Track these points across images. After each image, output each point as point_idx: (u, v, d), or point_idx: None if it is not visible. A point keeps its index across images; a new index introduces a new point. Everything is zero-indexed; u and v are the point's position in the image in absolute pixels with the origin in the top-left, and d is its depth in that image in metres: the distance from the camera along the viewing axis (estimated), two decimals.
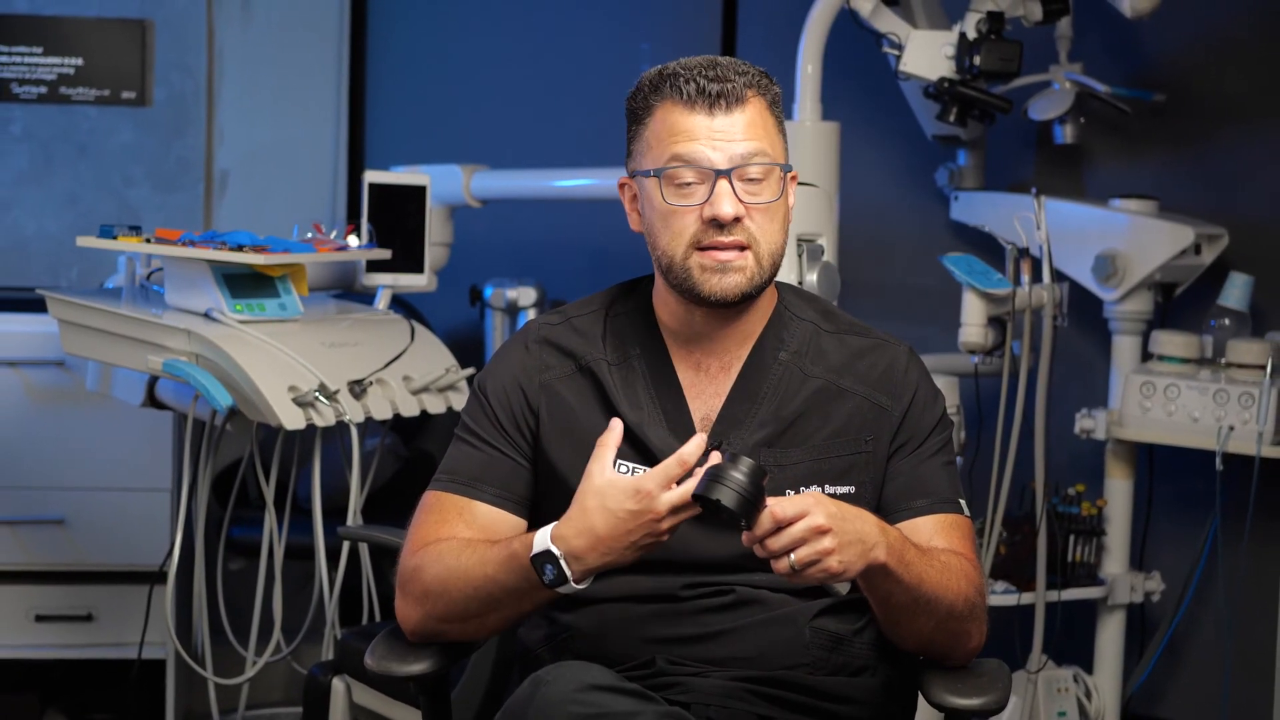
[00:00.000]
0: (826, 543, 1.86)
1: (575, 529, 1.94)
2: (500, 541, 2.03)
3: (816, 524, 1.86)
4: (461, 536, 2.07)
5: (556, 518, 1.97)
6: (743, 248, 2.04)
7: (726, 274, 2.05)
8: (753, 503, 1.85)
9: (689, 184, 2.05)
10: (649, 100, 2.09)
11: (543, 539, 1.96)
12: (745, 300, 2.08)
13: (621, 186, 2.16)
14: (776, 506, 1.86)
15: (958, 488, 2.15)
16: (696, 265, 2.05)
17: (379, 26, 4.66)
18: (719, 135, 2.04)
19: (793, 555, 1.86)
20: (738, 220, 2.03)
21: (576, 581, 1.95)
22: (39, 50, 4.36)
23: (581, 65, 4.43)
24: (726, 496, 1.84)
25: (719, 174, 2.03)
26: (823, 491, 2.07)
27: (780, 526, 1.86)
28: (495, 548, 2.02)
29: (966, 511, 2.14)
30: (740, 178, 2.04)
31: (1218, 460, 3.40)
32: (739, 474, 1.85)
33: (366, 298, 3.56)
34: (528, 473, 2.14)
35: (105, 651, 3.81)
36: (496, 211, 4.04)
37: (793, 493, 2.06)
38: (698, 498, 1.87)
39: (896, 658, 2.14)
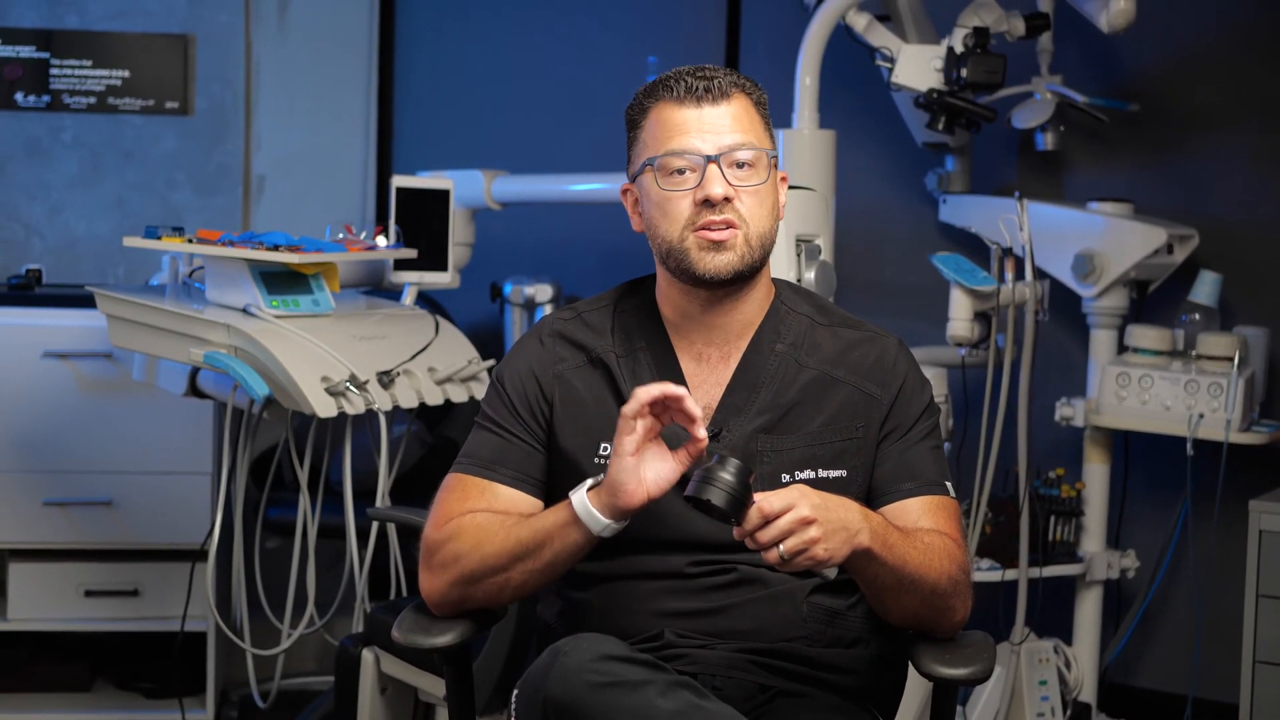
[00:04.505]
0: (812, 532, 1.86)
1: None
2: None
3: (802, 515, 1.86)
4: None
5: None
6: (733, 227, 2.05)
7: (720, 252, 2.05)
8: (741, 500, 1.86)
9: (682, 172, 2.06)
10: (644, 104, 2.11)
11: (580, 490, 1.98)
12: (738, 280, 2.08)
13: (624, 193, 2.18)
14: (764, 502, 1.86)
15: (944, 471, 2.15)
16: (694, 244, 2.06)
17: (406, 41, 4.66)
18: (708, 126, 2.06)
19: (781, 546, 1.86)
20: (728, 201, 2.04)
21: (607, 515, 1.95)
22: (88, 63, 4.37)
23: (594, 77, 4.43)
24: (716, 496, 1.85)
25: (709, 159, 2.04)
26: (815, 475, 2.08)
27: (768, 520, 1.86)
28: (539, 515, 2.04)
29: (953, 493, 2.13)
30: (729, 164, 2.05)
31: (1189, 446, 3.40)
32: (727, 474, 1.86)
33: (394, 294, 3.57)
34: (542, 457, 2.14)
35: (150, 624, 3.81)
36: (515, 214, 4.04)
37: (788, 477, 2.07)
38: (690, 499, 1.88)
39: (888, 631, 2.14)
